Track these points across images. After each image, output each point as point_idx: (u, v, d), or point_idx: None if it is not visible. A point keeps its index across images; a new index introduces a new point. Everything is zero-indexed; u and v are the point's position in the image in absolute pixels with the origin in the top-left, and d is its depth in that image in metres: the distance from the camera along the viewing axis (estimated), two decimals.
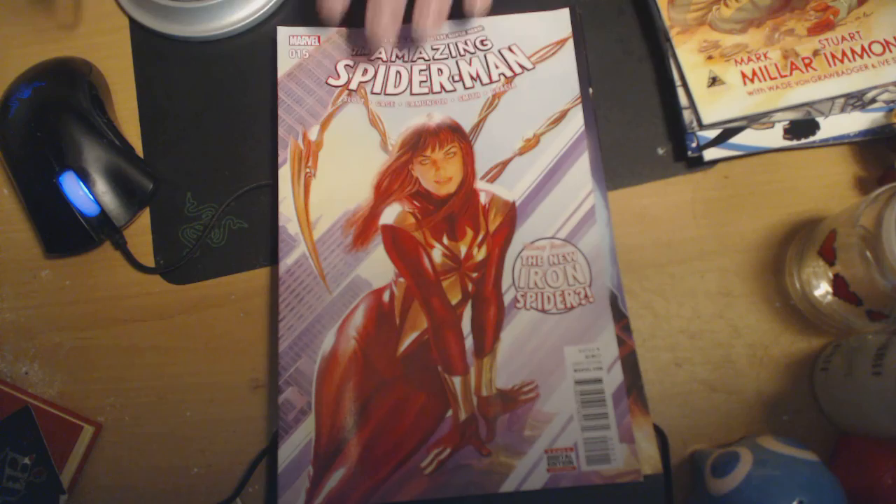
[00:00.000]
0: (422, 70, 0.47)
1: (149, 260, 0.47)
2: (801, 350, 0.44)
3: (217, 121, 0.49)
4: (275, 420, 0.44)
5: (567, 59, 0.47)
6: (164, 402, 0.45)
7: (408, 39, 0.48)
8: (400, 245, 0.43)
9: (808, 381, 0.43)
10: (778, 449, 0.38)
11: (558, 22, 0.48)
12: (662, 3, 0.48)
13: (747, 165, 0.47)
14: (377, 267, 0.43)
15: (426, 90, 0.47)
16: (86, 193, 0.46)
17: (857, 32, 0.46)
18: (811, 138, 0.45)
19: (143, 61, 0.51)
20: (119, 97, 0.50)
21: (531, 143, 0.45)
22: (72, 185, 0.45)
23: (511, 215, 0.44)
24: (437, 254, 0.43)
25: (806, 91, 0.45)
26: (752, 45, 0.46)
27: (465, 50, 0.47)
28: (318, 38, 0.48)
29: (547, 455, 0.40)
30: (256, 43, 0.51)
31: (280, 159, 0.45)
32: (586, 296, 0.42)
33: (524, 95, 0.47)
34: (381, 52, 0.47)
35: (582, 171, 0.45)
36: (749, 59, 0.46)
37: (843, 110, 0.45)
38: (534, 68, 0.47)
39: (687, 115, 0.46)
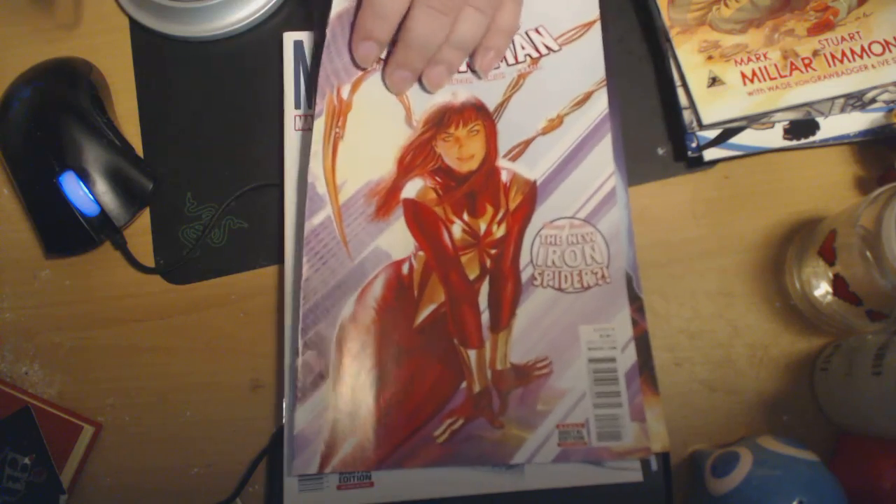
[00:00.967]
0: None
1: (149, 260, 0.47)
2: (801, 350, 0.44)
3: (217, 121, 0.49)
4: (275, 420, 0.44)
5: (594, 41, 0.47)
6: (164, 402, 0.45)
7: None
8: (420, 219, 0.44)
9: (808, 381, 0.43)
10: (778, 449, 0.38)
11: (586, 4, 0.48)
12: (662, 3, 0.48)
13: (747, 165, 0.47)
14: (397, 239, 0.44)
15: None
16: (86, 193, 0.46)
17: (857, 33, 0.46)
18: (811, 138, 0.45)
19: (144, 61, 0.51)
20: (119, 97, 0.50)
21: (554, 124, 0.45)
22: (72, 185, 0.45)
23: (531, 194, 0.44)
24: (457, 229, 0.44)
25: (806, 91, 0.45)
26: (752, 46, 0.46)
27: None
28: None
29: (558, 430, 0.40)
30: (257, 43, 0.51)
31: (317, 109, 0.45)
32: (603, 276, 0.42)
33: (549, 77, 0.46)
34: None
35: (604, 152, 0.45)
36: (749, 60, 0.46)
37: (842, 110, 0.45)
38: (560, 50, 0.47)
39: (687, 115, 0.46)
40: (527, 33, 0.47)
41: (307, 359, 0.41)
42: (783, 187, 0.46)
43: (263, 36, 0.51)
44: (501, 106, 0.46)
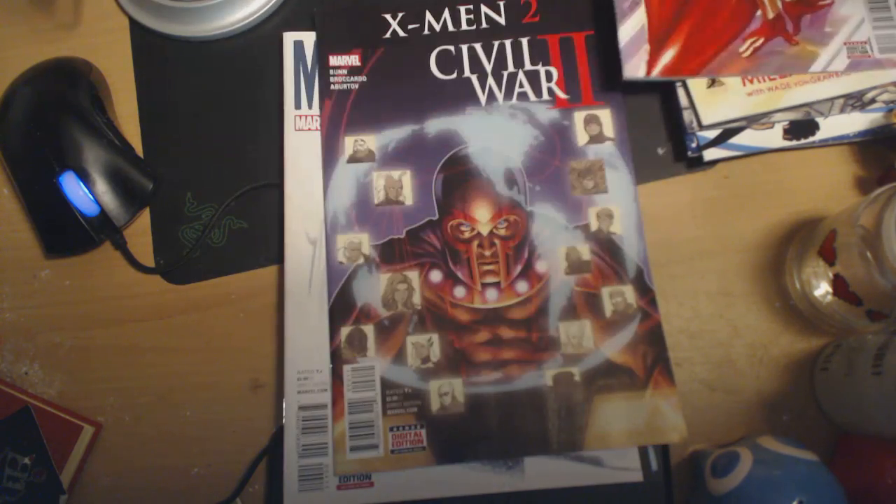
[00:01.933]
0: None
1: (149, 260, 0.47)
2: (800, 350, 0.44)
3: (217, 121, 0.49)
4: (275, 420, 0.44)
5: None
6: (164, 402, 0.45)
7: None
8: None
9: (808, 381, 0.43)
10: (778, 449, 0.38)
11: None
12: None
13: (747, 165, 0.47)
14: None
15: None
16: (86, 193, 0.46)
17: None
18: (811, 138, 0.45)
19: (143, 61, 0.51)
20: (119, 97, 0.50)
21: None
22: (72, 185, 0.45)
23: None
24: None
25: (805, 91, 0.45)
26: None
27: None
28: None
29: (846, 46, 0.45)
30: (257, 43, 0.51)
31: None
32: None
33: None
34: None
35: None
36: None
37: (842, 111, 0.45)
38: None
39: (687, 116, 0.46)
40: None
41: None
42: (783, 187, 0.46)
43: (263, 36, 0.51)
44: None
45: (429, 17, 0.49)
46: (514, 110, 0.47)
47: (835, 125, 0.45)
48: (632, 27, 0.46)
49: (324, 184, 0.46)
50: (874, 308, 0.38)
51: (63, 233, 0.46)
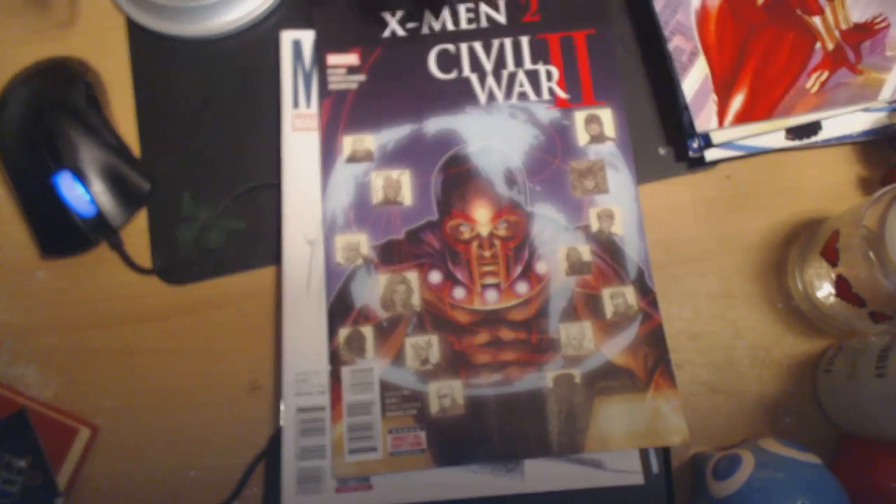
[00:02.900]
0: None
1: (146, 261, 0.47)
2: (803, 352, 0.44)
3: (215, 121, 0.49)
4: (273, 422, 0.44)
5: None
6: (161, 403, 0.45)
7: None
8: None
9: (811, 383, 0.43)
10: (780, 451, 0.38)
11: None
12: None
13: (749, 166, 0.47)
14: None
15: None
16: (82, 194, 0.45)
17: None
18: (813, 138, 0.45)
19: (140, 60, 0.51)
20: (115, 97, 0.50)
21: None
22: (68, 186, 0.45)
23: None
24: None
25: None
26: None
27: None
28: None
29: None
30: (254, 42, 0.50)
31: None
32: None
33: None
34: None
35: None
36: None
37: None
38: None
39: (688, 116, 0.45)
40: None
41: (676, 43, 0.46)
42: (785, 187, 0.46)
43: (261, 35, 0.51)
44: None
45: (428, 16, 0.49)
46: (514, 110, 0.47)
47: (837, 125, 0.45)
48: (695, 79, 0.45)
49: (322, 184, 0.46)
50: (877, 309, 0.38)
51: (59, 233, 0.46)
